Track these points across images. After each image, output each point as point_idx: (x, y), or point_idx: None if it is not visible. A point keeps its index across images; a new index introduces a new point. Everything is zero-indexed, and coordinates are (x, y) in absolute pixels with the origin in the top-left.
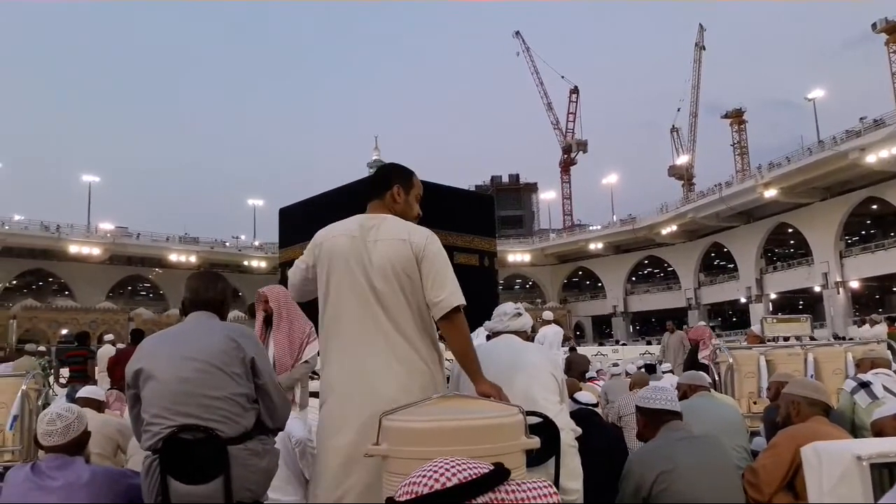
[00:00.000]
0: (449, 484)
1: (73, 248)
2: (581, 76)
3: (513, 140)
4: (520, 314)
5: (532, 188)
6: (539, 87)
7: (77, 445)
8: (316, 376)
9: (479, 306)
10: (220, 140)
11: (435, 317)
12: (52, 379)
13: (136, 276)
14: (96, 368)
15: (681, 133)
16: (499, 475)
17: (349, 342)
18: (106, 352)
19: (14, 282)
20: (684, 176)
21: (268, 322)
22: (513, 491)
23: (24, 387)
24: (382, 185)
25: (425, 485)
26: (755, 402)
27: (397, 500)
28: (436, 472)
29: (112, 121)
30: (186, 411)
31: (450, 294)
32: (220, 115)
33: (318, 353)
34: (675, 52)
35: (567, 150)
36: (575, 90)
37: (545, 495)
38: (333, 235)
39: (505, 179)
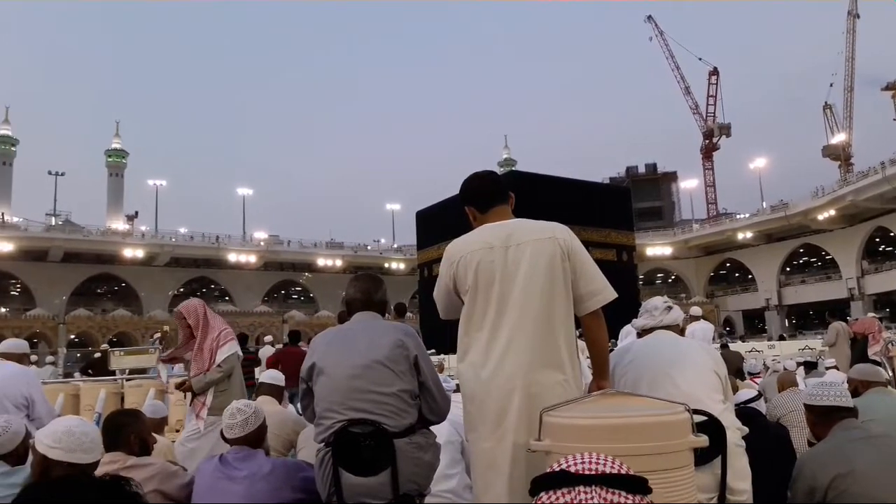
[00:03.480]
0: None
1: (232, 257)
2: (720, 56)
3: (648, 128)
4: (671, 307)
5: (671, 177)
6: (675, 71)
7: (257, 439)
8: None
9: (618, 303)
10: (358, 148)
11: (587, 310)
12: None
13: (288, 280)
14: (256, 369)
15: (835, 110)
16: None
17: (498, 344)
18: (266, 352)
19: (181, 289)
20: (841, 156)
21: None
22: None
23: None
24: (503, 192)
25: (611, 465)
26: None
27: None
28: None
29: (262, 135)
30: (356, 406)
31: (605, 287)
32: (357, 124)
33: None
34: (825, 23)
35: (708, 135)
36: (714, 72)
37: None
38: (471, 250)
39: (641, 169)
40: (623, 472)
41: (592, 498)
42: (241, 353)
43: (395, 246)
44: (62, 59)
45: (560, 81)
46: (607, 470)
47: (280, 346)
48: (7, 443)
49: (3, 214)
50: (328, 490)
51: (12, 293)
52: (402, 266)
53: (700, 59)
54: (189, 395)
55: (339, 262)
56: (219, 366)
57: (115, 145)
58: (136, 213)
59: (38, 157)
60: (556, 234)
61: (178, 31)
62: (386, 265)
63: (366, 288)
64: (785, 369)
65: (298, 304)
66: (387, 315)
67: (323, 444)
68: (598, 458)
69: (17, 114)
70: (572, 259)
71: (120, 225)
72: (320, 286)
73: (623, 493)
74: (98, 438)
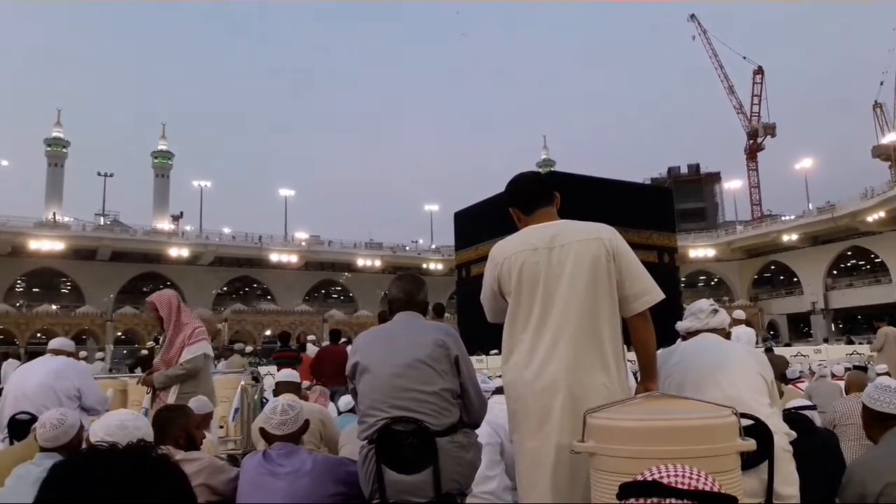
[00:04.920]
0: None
1: (274, 257)
2: (764, 55)
3: (691, 128)
4: (716, 310)
5: (714, 178)
6: (718, 70)
7: (300, 435)
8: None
9: (659, 306)
10: (397, 149)
11: (634, 311)
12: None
13: (328, 280)
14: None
15: (885, 108)
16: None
17: (542, 345)
18: (308, 351)
19: (224, 288)
20: (892, 156)
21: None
22: None
23: (242, 382)
24: (548, 193)
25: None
26: None
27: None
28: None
29: (302, 138)
30: (399, 404)
31: (652, 288)
32: (396, 125)
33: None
34: (874, 19)
35: (753, 135)
36: (759, 70)
37: None
38: (515, 252)
39: (683, 170)
40: (715, 489)
41: None
42: (210, 353)
43: (433, 247)
44: (106, 62)
45: (600, 81)
46: (700, 486)
47: (325, 344)
48: (62, 435)
49: (54, 214)
50: (371, 487)
51: (62, 291)
52: (440, 266)
53: (744, 57)
54: (151, 392)
55: (378, 263)
56: (181, 364)
57: (161, 147)
58: (182, 213)
59: (87, 158)
60: (602, 235)
61: (183, 32)
62: (424, 265)
63: (408, 288)
64: (833, 375)
65: (338, 304)
66: (426, 315)
67: (366, 441)
68: (692, 473)
69: (68, 115)
70: (618, 260)
71: (165, 225)
72: (359, 286)
73: None
74: (149, 431)
